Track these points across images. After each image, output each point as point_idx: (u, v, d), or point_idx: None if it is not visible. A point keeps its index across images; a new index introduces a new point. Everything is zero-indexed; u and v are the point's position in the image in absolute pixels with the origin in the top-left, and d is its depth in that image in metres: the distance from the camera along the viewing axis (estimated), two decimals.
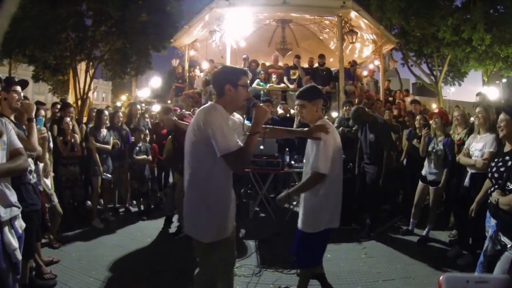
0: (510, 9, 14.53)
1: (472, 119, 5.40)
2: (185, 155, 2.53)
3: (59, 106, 6.83)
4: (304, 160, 3.48)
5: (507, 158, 2.92)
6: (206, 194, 2.47)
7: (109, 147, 6.00)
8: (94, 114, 6.66)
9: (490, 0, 15.24)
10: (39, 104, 5.83)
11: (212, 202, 2.47)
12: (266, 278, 4.10)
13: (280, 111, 8.38)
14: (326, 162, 3.02)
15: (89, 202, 6.45)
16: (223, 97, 2.51)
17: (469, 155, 4.40)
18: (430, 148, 5.19)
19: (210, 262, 2.60)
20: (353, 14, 9.44)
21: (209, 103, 2.62)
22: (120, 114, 6.61)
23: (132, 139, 6.48)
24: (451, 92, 37.88)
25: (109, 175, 6.00)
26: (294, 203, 6.61)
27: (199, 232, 2.53)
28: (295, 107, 7.23)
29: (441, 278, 0.55)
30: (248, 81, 2.69)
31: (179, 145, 5.06)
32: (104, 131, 6.01)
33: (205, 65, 12.02)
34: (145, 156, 6.39)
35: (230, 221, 2.61)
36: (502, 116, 3.16)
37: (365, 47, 12.53)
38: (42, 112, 5.32)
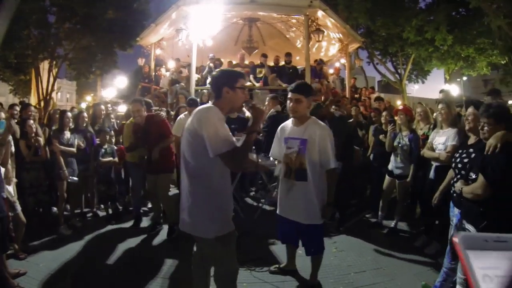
0: (472, 11, 15.10)
1: (435, 114, 5.58)
2: (182, 156, 2.60)
3: (18, 108, 6.55)
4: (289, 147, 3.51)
5: (471, 150, 3.08)
6: (208, 192, 2.53)
7: (74, 149, 5.76)
8: (57, 115, 6.41)
9: (453, 3, 15.80)
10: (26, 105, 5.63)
11: (215, 199, 2.55)
12: (239, 277, 4.06)
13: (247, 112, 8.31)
14: (334, 156, 3.39)
15: (54, 208, 6.13)
16: (220, 99, 2.59)
17: (432, 149, 4.56)
18: (396, 143, 5.33)
19: (226, 256, 2.75)
20: (320, 13, 9.57)
21: (207, 104, 2.70)
22: (85, 115, 6.34)
23: (97, 141, 6.29)
24: (415, 90, 39.21)
25: (75, 178, 5.79)
26: (263, 200, 6.63)
27: (203, 229, 2.57)
28: (266, 103, 7.28)
29: (455, 238, 0.53)
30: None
31: (147, 136, 5.30)
32: (67, 134, 5.75)
33: (171, 64, 11.86)
34: (111, 158, 6.20)
35: (230, 215, 2.79)
36: (470, 110, 3.36)
37: (331, 45, 12.73)
38: (2, 115, 5.10)
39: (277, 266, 4.12)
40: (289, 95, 3.39)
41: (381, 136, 5.99)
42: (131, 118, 5.93)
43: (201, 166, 2.49)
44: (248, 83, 9.92)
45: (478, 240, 0.53)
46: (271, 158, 4.93)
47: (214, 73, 2.92)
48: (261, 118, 2.59)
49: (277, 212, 3.73)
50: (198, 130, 2.40)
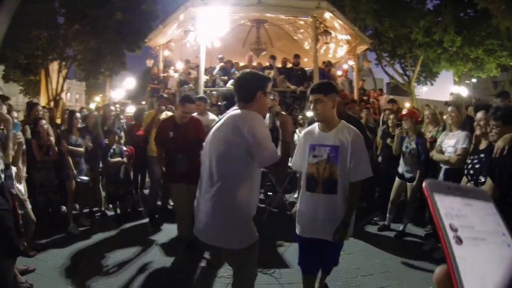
0: (480, 12, 15.00)
1: (444, 117, 5.58)
2: (210, 161, 2.46)
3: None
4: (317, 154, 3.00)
5: (482, 155, 3.06)
6: (239, 200, 2.40)
7: (82, 150, 5.83)
8: (66, 116, 6.48)
9: (460, 4, 15.72)
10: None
11: (245, 208, 2.45)
12: None
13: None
14: (369, 167, 2.95)
15: (64, 207, 6.21)
16: (252, 103, 2.50)
17: (441, 152, 4.54)
18: (404, 148, 5.32)
19: (249, 264, 2.59)
20: (327, 15, 9.55)
21: (243, 110, 2.49)
22: (95, 114, 6.43)
23: (106, 141, 6.34)
24: (423, 92, 38.83)
25: (85, 178, 5.85)
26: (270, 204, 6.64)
27: (233, 241, 2.46)
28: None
29: (424, 182, 0.59)
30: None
31: (183, 139, 4.75)
32: (76, 134, 5.84)
33: (180, 65, 11.91)
34: (119, 159, 6.23)
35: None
36: (481, 115, 3.36)
37: (339, 47, 12.69)
38: (15, 114, 5.17)
39: None
40: (310, 98, 2.96)
41: (388, 140, 5.97)
42: (166, 114, 5.91)
43: (239, 175, 2.38)
44: None
45: (442, 186, 0.60)
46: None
47: (239, 74, 2.75)
48: (289, 125, 2.53)
49: (297, 232, 3.12)
50: (245, 136, 2.28)
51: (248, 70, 3.61)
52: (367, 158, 2.95)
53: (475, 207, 0.58)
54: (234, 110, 2.51)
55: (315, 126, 3.11)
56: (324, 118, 2.94)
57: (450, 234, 0.53)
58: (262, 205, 6.57)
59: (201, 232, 2.54)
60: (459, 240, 0.52)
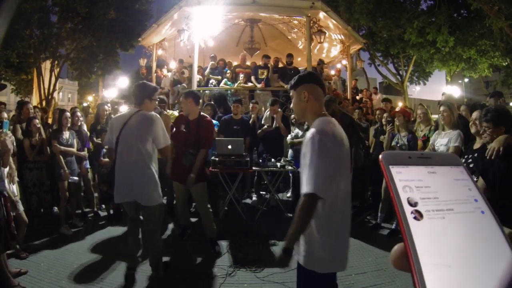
0: (473, 13, 15.11)
1: (436, 116, 5.62)
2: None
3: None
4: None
5: (476, 155, 3.09)
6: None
7: (74, 150, 5.78)
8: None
9: (454, 5, 15.82)
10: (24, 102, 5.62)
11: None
12: (240, 278, 4.10)
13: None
14: (323, 180, 2.07)
15: (56, 208, 6.18)
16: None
17: (434, 151, 4.55)
18: (393, 143, 5.36)
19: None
20: (321, 14, 9.57)
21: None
22: (79, 114, 6.30)
23: (99, 140, 6.29)
24: (416, 91, 39.17)
25: (76, 178, 5.80)
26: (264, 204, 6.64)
27: None
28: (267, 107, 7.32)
29: (380, 155, 0.56)
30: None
31: (193, 136, 4.78)
32: (67, 133, 5.75)
33: (173, 65, 11.87)
34: None
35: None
36: (477, 113, 3.43)
37: (333, 47, 12.74)
38: (5, 115, 5.12)
39: None
40: None
41: (381, 137, 6.00)
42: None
43: None
44: (250, 84, 9.93)
45: (401, 157, 0.56)
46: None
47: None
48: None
49: None
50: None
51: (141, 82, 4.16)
52: (313, 167, 2.08)
53: (440, 174, 0.55)
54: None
55: None
56: (296, 114, 2.51)
57: (408, 210, 0.51)
58: (256, 205, 6.59)
59: None
60: (419, 215, 0.50)
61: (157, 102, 4.16)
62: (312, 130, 2.19)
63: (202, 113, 5.04)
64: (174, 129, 5.05)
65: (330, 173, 2.10)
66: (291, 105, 2.49)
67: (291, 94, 2.46)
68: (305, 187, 2.08)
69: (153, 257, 4.03)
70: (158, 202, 3.89)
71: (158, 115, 3.95)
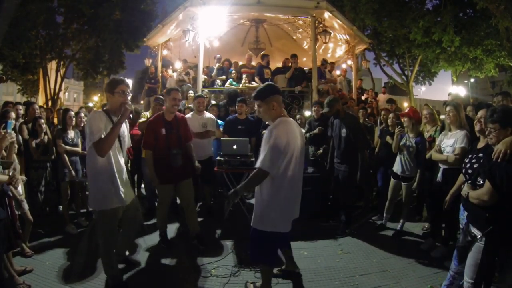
0: (479, 12, 15.01)
1: (442, 117, 5.59)
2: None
3: (20, 107, 6.56)
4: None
5: (481, 155, 3.06)
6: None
7: (79, 149, 5.76)
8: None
9: (460, 4, 15.73)
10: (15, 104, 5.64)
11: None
12: (244, 277, 4.09)
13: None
14: (270, 160, 3.01)
15: (61, 208, 6.18)
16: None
17: (440, 151, 4.55)
18: (401, 143, 5.31)
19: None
20: (326, 14, 9.54)
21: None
22: (82, 114, 6.24)
23: None
24: (421, 91, 39.09)
25: (85, 179, 5.83)
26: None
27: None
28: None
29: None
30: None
31: (174, 134, 4.83)
32: (71, 133, 5.76)
33: (178, 65, 11.90)
34: None
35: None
36: (482, 112, 3.41)
37: (338, 47, 12.71)
38: (13, 114, 5.14)
39: (279, 269, 4.08)
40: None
41: (387, 138, 5.97)
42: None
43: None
44: (255, 84, 9.93)
45: None
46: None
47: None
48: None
49: None
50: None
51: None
52: (265, 151, 3.06)
53: None
54: None
55: None
56: (266, 119, 3.41)
57: None
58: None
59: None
60: None
61: (125, 96, 3.68)
62: (271, 126, 3.19)
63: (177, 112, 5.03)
64: (150, 135, 4.83)
65: (275, 156, 3.02)
66: (259, 113, 3.36)
67: (258, 103, 3.28)
68: (257, 163, 3.08)
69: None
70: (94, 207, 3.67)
71: (95, 112, 3.60)
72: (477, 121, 3.48)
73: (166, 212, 5.11)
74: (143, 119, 6.37)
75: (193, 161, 5.08)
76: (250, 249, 3.54)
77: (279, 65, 11.28)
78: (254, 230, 3.29)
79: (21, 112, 6.41)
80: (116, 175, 3.51)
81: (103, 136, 3.29)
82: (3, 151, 3.52)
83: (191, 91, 9.17)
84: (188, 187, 4.95)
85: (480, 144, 3.31)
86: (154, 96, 10.81)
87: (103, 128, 3.34)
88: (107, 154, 3.34)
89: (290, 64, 10.46)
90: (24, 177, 4.71)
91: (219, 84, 10.16)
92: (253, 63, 11.05)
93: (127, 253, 4.46)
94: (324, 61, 11.47)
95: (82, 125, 6.08)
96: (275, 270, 3.99)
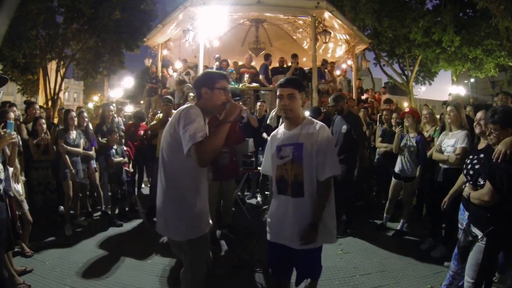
0: (479, 12, 15.02)
1: (442, 116, 5.59)
2: (162, 155, 2.56)
3: (15, 109, 6.54)
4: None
5: (482, 155, 3.06)
6: (178, 191, 2.50)
7: (80, 150, 5.78)
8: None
9: (460, 4, 15.73)
10: (10, 105, 5.64)
11: (182, 199, 2.51)
12: (244, 277, 4.11)
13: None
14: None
15: (61, 207, 6.15)
16: (200, 100, 2.59)
17: (441, 151, 4.56)
18: (402, 144, 5.32)
19: (193, 259, 2.63)
20: (327, 14, 9.53)
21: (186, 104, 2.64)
22: (85, 114, 6.31)
23: (103, 140, 6.29)
24: (422, 91, 39.05)
25: (86, 180, 5.84)
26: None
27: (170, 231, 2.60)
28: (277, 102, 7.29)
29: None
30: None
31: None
32: (73, 133, 5.76)
33: (178, 65, 11.90)
34: (122, 159, 6.16)
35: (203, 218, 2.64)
36: (481, 114, 3.40)
37: (338, 47, 12.69)
38: (12, 115, 5.12)
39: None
40: (279, 91, 2.72)
41: (385, 145, 6.00)
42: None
43: (175, 165, 2.51)
44: (255, 84, 9.92)
45: None
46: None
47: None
48: (236, 111, 2.44)
49: (268, 238, 2.87)
50: (174, 129, 2.44)
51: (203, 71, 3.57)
52: (334, 154, 2.73)
53: None
54: None
55: (281, 127, 2.92)
56: (294, 115, 2.72)
57: None
58: (265, 206, 6.58)
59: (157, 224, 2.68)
60: None
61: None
62: (321, 124, 2.72)
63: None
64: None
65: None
66: (287, 104, 2.68)
67: (291, 92, 2.67)
68: (326, 172, 2.62)
69: None
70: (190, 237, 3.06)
71: (192, 107, 3.17)
72: (476, 123, 3.47)
73: (213, 211, 5.07)
74: (154, 122, 6.47)
75: (239, 165, 5.41)
76: (309, 273, 2.96)
77: (277, 64, 11.27)
78: (310, 251, 2.71)
79: (17, 113, 6.34)
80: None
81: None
82: (7, 151, 3.50)
83: (191, 94, 9.17)
84: (230, 186, 5.42)
85: (481, 145, 3.31)
86: (155, 96, 10.87)
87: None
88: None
89: (287, 64, 10.50)
90: (23, 178, 4.70)
91: None
92: (253, 63, 11.04)
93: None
94: (324, 61, 11.46)
95: (84, 125, 6.10)
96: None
